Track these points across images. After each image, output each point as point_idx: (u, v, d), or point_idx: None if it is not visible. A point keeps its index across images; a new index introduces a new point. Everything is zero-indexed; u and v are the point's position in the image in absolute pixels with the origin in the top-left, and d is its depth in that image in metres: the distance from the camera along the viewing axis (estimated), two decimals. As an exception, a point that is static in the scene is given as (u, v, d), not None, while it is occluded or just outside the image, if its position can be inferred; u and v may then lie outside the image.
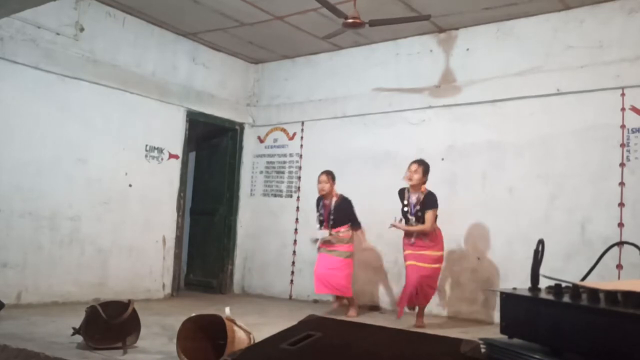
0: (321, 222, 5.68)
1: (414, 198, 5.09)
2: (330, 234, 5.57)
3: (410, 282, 4.98)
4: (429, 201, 5.03)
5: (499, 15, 5.55)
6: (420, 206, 5.06)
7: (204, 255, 7.36)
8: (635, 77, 4.86)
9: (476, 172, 5.65)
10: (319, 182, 5.64)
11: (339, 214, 5.62)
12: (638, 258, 1.92)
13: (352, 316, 5.34)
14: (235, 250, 7.23)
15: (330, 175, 5.67)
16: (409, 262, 5.06)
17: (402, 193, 5.22)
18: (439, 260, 5.10)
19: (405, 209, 5.12)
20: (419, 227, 5.03)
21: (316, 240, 5.78)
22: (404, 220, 5.14)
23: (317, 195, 5.68)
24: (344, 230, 5.60)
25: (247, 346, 2.86)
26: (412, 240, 5.07)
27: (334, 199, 5.65)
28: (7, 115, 5.04)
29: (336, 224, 5.60)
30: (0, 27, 4.94)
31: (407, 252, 5.11)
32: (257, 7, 5.65)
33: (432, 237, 5.04)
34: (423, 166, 5.09)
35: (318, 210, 5.75)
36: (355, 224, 5.69)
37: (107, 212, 5.71)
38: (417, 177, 5.05)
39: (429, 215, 4.99)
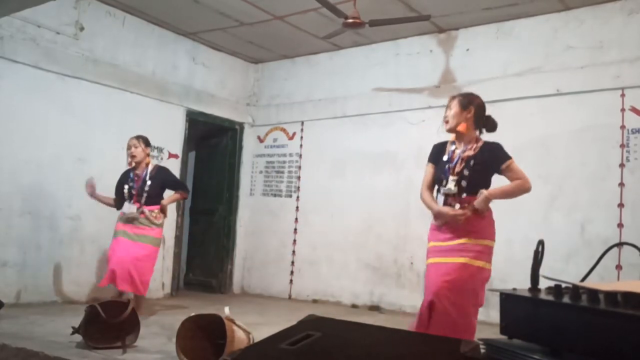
0: (130, 197, 4.72)
1: (460, 151, 3.19)
2: (142, 212, 4.63)
3: (426, 294, 3.02)
4: (497, 151, 3.16)
5: (499, 16, 5.55)
6: (474, 160, 3.10)
7: (204, 255, 7.36)
8: (635, 77, 4.86)
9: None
10: (129, 147, 4.72)
11: (155, 187, 4.72)
12: (638, 259, 1.93)
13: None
14: (234, 249, 7.23)
15: (141, 139, 4.77)
16: (430, 260, 3.12)
17: (439, 148, 3.33)
18: (487, 254, 3.12)
19: (447, 166, 3.16)
20: (515, 183, 3.10)
21: (124, 216, 4.72)
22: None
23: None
24: (157, 212, 4.72)
25: (246, 346, 2.86)
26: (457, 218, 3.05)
27: (148, 169, 4.76)
28: (6, 114, 5.03)
29: (150, 200, 4.69)
30: (0, 26, 4.93)
31: (433, 243, 3.17)
32: (257, 7, 5.65)
33: (482, 215, 3.09)
34: (459, 98, 3.23)
35: (127, 183, 4.76)
36: (184, 188, 4.99)
37: (106, 211, 5.69)
38: (452, 113, 3.19)
39: (514, 166, 3.11)
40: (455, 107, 3.20)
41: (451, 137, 3.31)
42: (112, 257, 4.58)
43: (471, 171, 3.10)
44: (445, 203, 3.12)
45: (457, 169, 3.13)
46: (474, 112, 3.22)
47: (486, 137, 3.33)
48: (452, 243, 3.06)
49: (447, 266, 3.00)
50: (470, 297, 3.00)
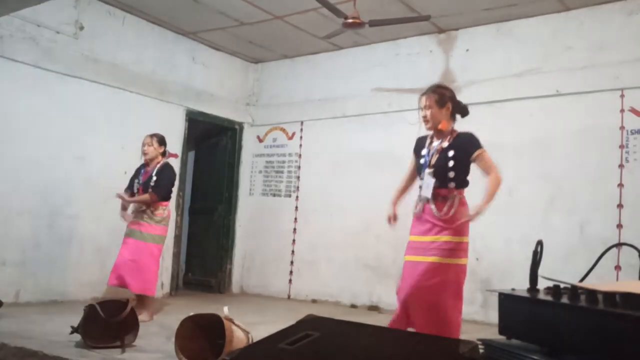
0: (137, 191, 4.78)
1: (436, 144, 3.30)
2: (142, 209, 4.69)
3: (400, 294, 3.25)
4: (468, 141, 3.24)
5: (499, 16, 5.55)
6: (448, 151, 3.20)
7: (203, 255, 7.36)
8: (635, 78, 4.87)
9: (475, 172, 5.64)
10: (143, 144, 4.82)
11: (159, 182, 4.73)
12: (636, 259, 1.93)
13: (144, 320, 4.26)
14: (234, 249, 7.23)
15: (155, 138, 4.83)
16: (406, 258, 3.29)
17: (422, 141, 3.44)
18: (459, 251, 3.14)
19: (422, 160, 3.31)
20: (491, 183, 3.12)
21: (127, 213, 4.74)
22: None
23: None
24: (162, 208, 4.77)
25: (245, 346, 2.86)
26: (428, 210, 3.20)
27: (158, 167, 4.80)
28: (6, 113, 5.03)
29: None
30: (0, 25, 4.93)
31: (412, 237, 3.34)
32: (257, 7, 5.65)
33: (453, 209, 3.15)
34: (434, 97, 3.28)
35: (137, 177, 4.86)
36: (157, 192, 4.67)
37: (106, 210, 5.70)
38: (431, 113, 3.27)
39: (485, 155, 3.20)
40: (433, 106, 3.27)
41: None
42: (117, 259, 4.66)
43: (447, 162, 3.20)
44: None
45: (433, 161, 3.25)
46: (451, 107, 3.31)
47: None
48: (428, 239, 3.16)
49: (422, 266, 3.11)
50: (447, 296, 3.11)
